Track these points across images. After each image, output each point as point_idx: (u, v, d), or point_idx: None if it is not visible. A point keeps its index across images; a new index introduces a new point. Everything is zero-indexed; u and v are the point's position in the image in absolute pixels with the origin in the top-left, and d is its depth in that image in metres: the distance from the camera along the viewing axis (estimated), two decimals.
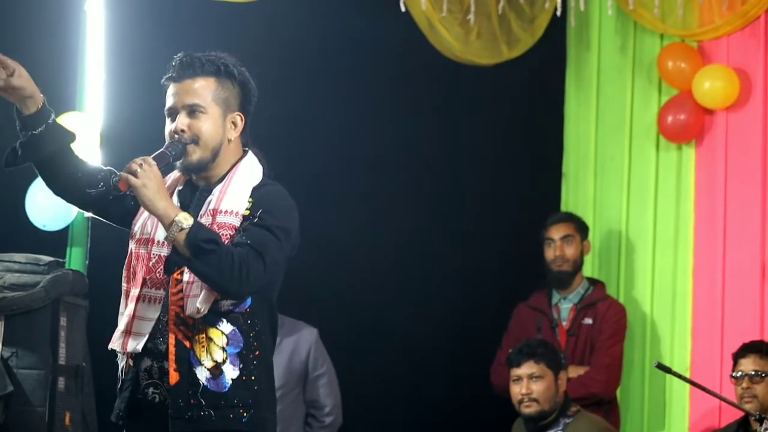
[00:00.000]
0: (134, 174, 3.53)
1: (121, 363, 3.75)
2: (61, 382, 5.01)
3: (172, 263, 3.60)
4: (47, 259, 5.20)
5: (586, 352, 6.20)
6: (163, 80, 3.77)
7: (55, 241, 5.56)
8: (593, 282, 6.44)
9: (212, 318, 3.63)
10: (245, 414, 3.65)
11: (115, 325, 3.77)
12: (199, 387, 3.62)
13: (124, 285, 3.78)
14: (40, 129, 3.66)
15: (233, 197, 3.68)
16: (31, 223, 5.56)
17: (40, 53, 5.78)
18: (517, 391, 5.65)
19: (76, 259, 5.55)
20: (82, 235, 5.59)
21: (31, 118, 3.66)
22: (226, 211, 3.65)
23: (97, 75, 5.71)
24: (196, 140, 3.70)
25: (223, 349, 3.63)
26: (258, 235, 3.61)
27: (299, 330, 6.02)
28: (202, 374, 3.62)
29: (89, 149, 5.52)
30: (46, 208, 5.48)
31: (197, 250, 3.51)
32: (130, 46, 5.90)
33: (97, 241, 5.59)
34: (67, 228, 5.59)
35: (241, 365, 3.65)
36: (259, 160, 3.80)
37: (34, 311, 5.00)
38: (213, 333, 3.63)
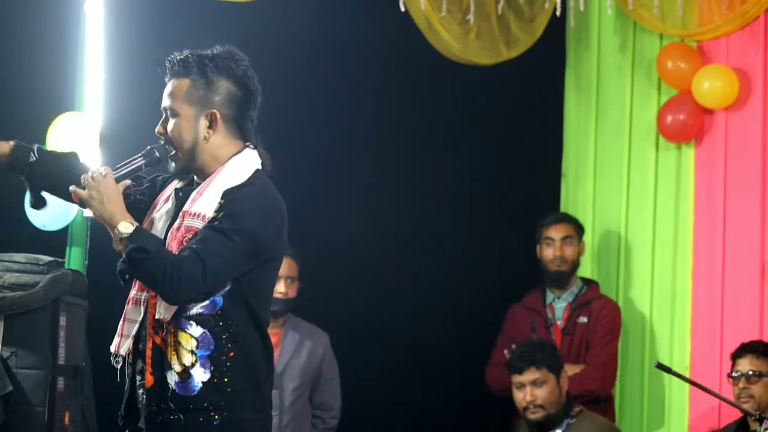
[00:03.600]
0: (83, 186, 3.63)
1: (120, 364, 3.77)
2: (61, 382, 5.00)
3: (119, 272, 3.66)
4: (47, 258, 5.19)
5: (581, 350, 6.21)
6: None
7: (55, 241, 5.56)
8: (587, 281, 6.44)
9: (181, 321, 3.63)
10: (216, 417, 3.63)
11: (116, 325, 3.80)
12: (168, 391, 3.62)
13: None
14: (25, 171, 3.83)
15: (204, 200, 3.67)
16: (30, 223, 5.55)
17: (39, 53, 5.80)
18: (521, 397, 5.63)
19: (75, 259, 5.55)
20: (82, 235, 5.60)
21: (10, 167, 3.85)
22: (193, 214, 3.65)
23: (96, 75, 5.71)
24: (171, 143, 3.74)
25: (192, 352, 3.62)
26: (206, 239, 3.60)
27: (316, 333, 6.13)
28: (172, 378, 3.62)
29: (89, 149, 5.52)
30: (45, 207, 5.47)
31: (129, 258, 3.57)
32: (129, 46, 5.89)
33: (96, 241, 5.59)
34: (66, 228, 5.59)
35: (212, 368, 3.63)
36: (261, 158, 3.77)
37: (34, 311, 4.99)
38: (182, 337, 3.63)
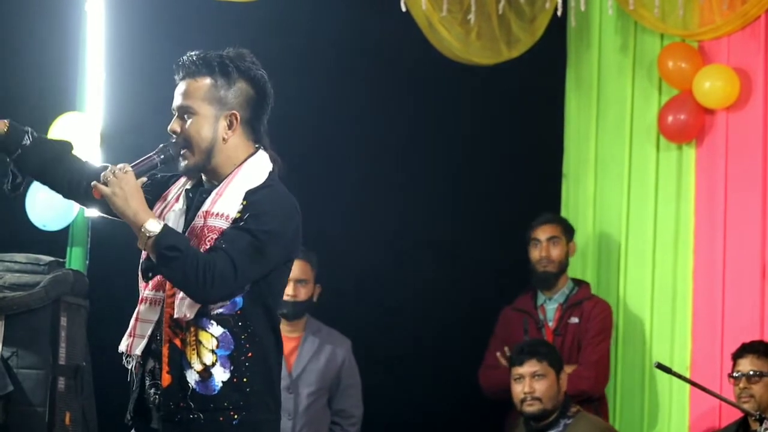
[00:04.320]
0: (105, 182, 3.59)
1: (131, 364, 3.77)
2: (62, 382, 5.00)
3: (144, 270, 3.65)
4: (47, 258, 5.19)
5: (573, 351, 6.22)
6: (175, 79, 3.80)
7: (56, 241, 5.56)
8: (578, 282, 6.45)
9: (202, 321, 3.64)
10: (236, 416, 3.64)
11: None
12: (188, 390, 3.62)
13: (139, 286, 3.81)
14: (17, 153, 3.79)
15: (226, 200, 3.67)
16: (31, 223, 5.56)
17: (40, 53, 5.80)
18: (519, 390, 5.65)
19: (76, 259, 5.55)
20: (83, 235, 5.59)
21: (2, 147, 3.79)
22: (216, 214, 3.66)
23: (97, 75, 5.71)
24: (187, 143, 3.72)
25: (213, 351, 3.63)
26: (235, 240, 3.60)
27: (336, 338, 6.10)
28: (192, 377, 3.62)
29: (89, 149, 5.52)
30: (46, 208, 5.48)
31: (160, 257, 3.55)
32: (130, 46, 5.89)
33: (97, 241, 5.59)
34: (67, 228, 5.59)
35: (232, 367, 3.64)
36: (272, 160, 3.79)
37: (35, 311, 4.99)
38: (202, 336, 3.64)
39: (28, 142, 3.79)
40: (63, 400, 5.02)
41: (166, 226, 3.59)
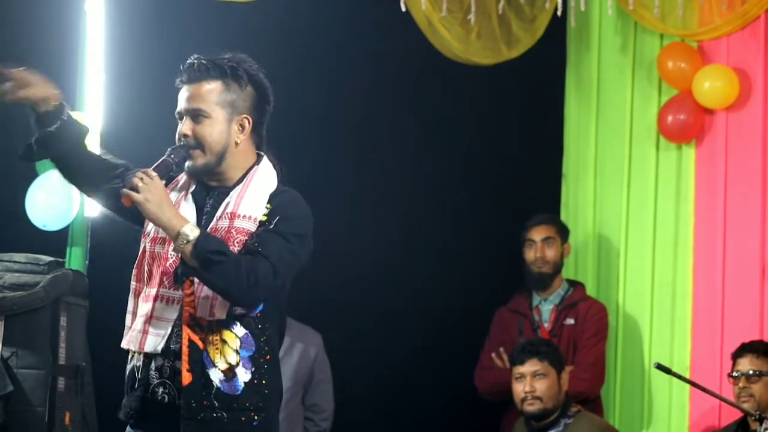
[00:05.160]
0: (135, 189, 3.56)
1: (132, 362, 3.75)
2: (61, 382, 5.01)
3: (181, 274, 3.61)
4: (47, 258, 5.19)
5: (569, 352, 6.21)
6: (176, 83, 3.79)
7: (55, 241, 5.56)
8: (573, 283, 6.44)
9: (226, 321, 3.65)
10: (256, 417, 3.68)
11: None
12: (212, 388, 3.64)
13: (133, 283, 3.78)
14: (54, 126, 3.72)
15: (251, 202, 3.69)
16: (31, 223, 5.56)
17: (40, 53, 5.79)
18: (519, 389, 5.65)
19: (76, 259, 5.55)
20: (82, 235, 5.59)
21: (44, 116, 3.73)
22: (244, 216, 3.68)
23: (97, 75, 5.71)
24: (199, 146, 3.72)
25: (237, 351, 3.65)
26: (271, 243, 3.62)
27: (308, 334, 6.10)
28: (216, 376, 3.63)
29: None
30: (46, 207, 5.48)
31: (205, 261, 3.54)
32: (130, 46, 5.90)
33: (97, 241, 5.59)
34: (67, 228, 5.59)
35: (253, 368, 3.67)
36: (273, 166, 3.81)
37: (34, 311, 4.99)
38: (227, 335, 3.65)
39: (66, 117, 3.74)
40: (63, 400, 5.02)
41: (203, 230, 3.60)
